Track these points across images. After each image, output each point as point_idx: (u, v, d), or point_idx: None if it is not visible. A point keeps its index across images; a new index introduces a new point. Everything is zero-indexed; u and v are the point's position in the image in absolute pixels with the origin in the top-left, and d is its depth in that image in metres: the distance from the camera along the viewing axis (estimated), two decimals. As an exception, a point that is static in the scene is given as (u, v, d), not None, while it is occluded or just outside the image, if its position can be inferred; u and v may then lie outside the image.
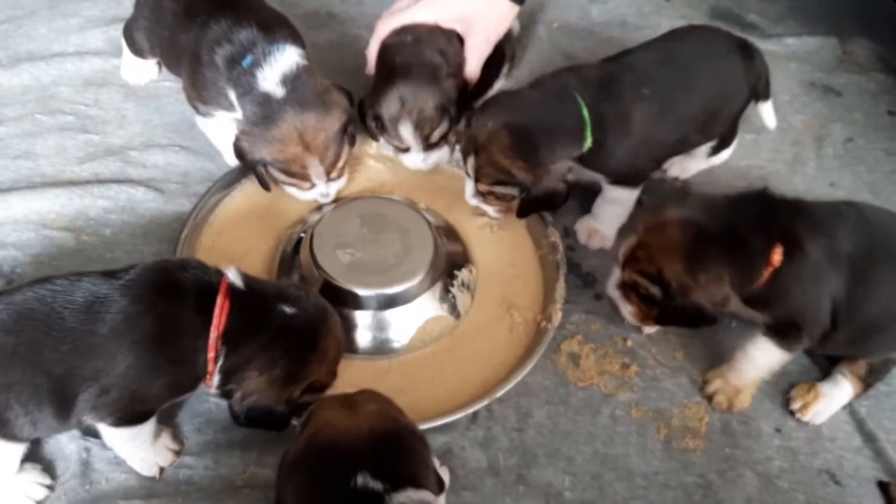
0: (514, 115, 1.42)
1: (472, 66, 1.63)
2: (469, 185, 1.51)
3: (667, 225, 1.27)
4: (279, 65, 1.44)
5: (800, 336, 1.29)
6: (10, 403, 1.11)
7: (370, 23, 2.02)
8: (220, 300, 1.15)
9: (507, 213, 1.54)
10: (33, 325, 1.11)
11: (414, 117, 1.53)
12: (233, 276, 1.19)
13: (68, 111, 1.77)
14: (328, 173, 1.50)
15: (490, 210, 1.54)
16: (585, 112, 1.41)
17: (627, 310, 1.38)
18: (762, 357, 1.35)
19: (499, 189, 1.46)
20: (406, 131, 1.55)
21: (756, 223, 1.24)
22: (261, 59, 1.43)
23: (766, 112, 1.67)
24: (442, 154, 1.62)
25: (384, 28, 1.63)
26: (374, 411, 1.05)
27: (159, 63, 1.81)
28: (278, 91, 1.43)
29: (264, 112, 1.43)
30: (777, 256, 1.22)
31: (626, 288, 1.36)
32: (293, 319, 1.18)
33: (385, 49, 1.61)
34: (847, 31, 2.11)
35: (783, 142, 1.84)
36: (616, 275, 1.38)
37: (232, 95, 1.47)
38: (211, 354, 1.14)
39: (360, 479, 0.93)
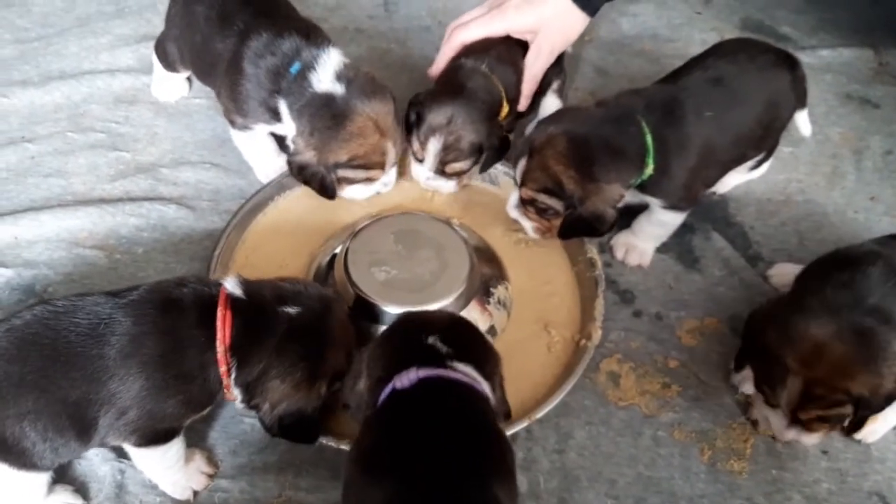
0: (576, 125, 1.40)
1: (534, 74, 1.61)
2: (513, 195, 1.49)
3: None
4: (329, 65, 1.44)
5: None
6: (25, 433, 1.09)
7: (399, 37, 2.04)
8: (220, 312, 1.13)
9: (546, 234, 1.49)
10: (40, 351, 1.08)
11: (449, 140, 1.51)
12: (230, 285, 1.16)
13: (99, 129, 1.77)
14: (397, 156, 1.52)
15: (528, 227, 1.50)
16: (649, 138, 1.39)
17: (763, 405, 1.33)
18: None
19: (542, 199, 1.42)
20: (433, 146, 1.52)
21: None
22: (311, 62, 1.44)
23: (802, 120, 1.64)
24: (445, 185, 1.60)
25: (459, 38, 1.60)
26: (458, 316, 1.24)
27: (189, 80, 1.82)
28: (338, 88, 1.43)
29: (331, 112, 1.42)
30: None
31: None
32: (299, 318, 1.15)
33: (460, 65, 1.56)
34: (881, 42, 2.08)
35: (821, 154, 1.81)
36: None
37: (283, 107, 1.46)
38: (223, 368, 1.12)
39: (431, 339, 1.09)
